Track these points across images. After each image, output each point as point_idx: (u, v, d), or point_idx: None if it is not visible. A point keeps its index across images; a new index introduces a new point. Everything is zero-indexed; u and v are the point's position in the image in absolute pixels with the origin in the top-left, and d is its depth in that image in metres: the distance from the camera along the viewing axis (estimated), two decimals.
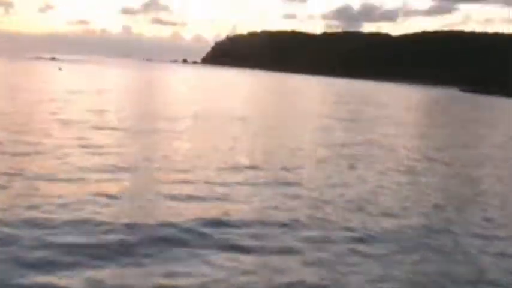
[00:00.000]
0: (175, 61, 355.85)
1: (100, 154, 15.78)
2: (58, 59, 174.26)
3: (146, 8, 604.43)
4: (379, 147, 21.82)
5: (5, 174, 12.48)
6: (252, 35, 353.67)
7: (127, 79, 78.85)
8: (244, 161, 16.33)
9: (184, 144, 18.83)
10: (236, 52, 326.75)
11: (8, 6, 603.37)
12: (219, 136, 21.55)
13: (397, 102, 67.27)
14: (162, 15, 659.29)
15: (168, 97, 44.54)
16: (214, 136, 21.52)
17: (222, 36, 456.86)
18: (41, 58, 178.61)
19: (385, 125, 32.72)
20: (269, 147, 19.53)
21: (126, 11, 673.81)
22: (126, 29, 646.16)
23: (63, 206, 10.23)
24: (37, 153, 15.29)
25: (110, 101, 35.24)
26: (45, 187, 11.60)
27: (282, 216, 10.65)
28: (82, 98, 36.43)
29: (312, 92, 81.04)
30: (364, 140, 23.81)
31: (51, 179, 12.35)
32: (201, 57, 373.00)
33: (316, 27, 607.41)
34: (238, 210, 10.78)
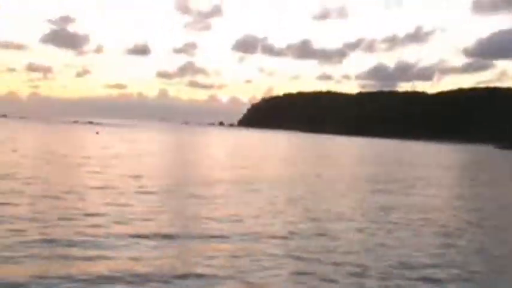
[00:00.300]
0: (212, 124, 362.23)
1: (137, 220, 15.86)
2: (95, 123, 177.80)
3: (182, 71, 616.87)
4: (419, 210, 21.63)
5: (41, 241, 12.65)
6: (288, 96, 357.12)
7: (164, 143, 79.40)
8: (282, 228, 16.18)
9: (222, 209, 18.73)
10: (272, 114, 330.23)
11: (47, 71, 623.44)
12: (258, 201, 21.39)
13: (436, 161, 66.89)
14: (198, 78, 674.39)
15: (206, 161, 43.93)
16: (253, 201, 21.28)
17: (258, 98, 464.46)
18: (78, 122, 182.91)
19: (425, 185, 32.40)
20: (309, 213, 19.38)
21: (162, 75, 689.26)
22: (163, 92, 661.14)
23: (98, 276, 10.33)
24: (72, 219, 15.46)
25: (147, 165, 35.29)
26: (77, 253, 11.78)
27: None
28: (119, 162, 36.49)
29: (349, 152, 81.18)
30: (403, 203, 23.64)
31: (86, 246, 12.44)
32: (238, 119, 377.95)
33: (352, 87, 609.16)
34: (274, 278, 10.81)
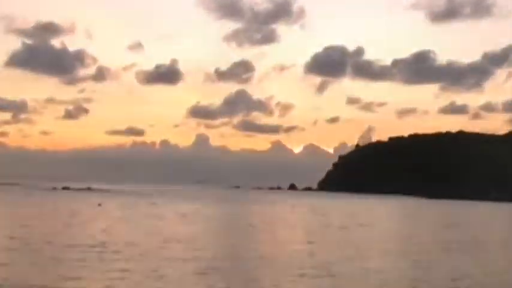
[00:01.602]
0: (277, 188, 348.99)
1: None
2: (95, 189, 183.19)
3: (230, 106, 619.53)
4: None
5: None
6: (396, 142, 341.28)
7: (219, 221, 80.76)
8: None
9: None
10: (372, 169, 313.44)
11: (19, 109, 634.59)
12: None
13: None
14: (255, 117, 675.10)
15: None
16: None
17: (349, 145, 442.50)
18: (69, 189, 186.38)
19: None
20: None
21: (198, 112, 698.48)
22: (200, 139, 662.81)
23: None
24: None
25: None
26: None
27: None
28: None
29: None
30: None
31: None
32: (318, 179, 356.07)
33: (498, 122, 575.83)
34: None
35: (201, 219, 78.89)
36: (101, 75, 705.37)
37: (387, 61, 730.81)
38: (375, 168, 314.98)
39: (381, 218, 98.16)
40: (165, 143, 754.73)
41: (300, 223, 79.75)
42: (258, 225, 71.18)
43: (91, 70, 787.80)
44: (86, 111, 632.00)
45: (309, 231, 64.15)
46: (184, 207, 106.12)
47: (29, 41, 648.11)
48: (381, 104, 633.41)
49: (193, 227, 64.31)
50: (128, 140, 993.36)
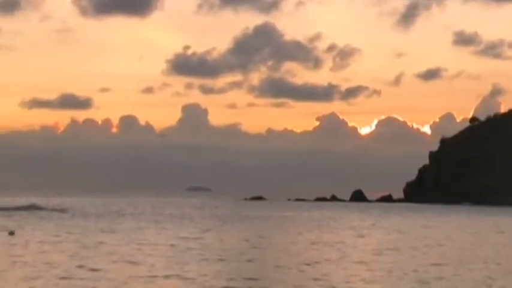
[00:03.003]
0: (333, 199, 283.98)
1: None
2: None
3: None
4: None
5: None
6: None
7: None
8: None
9: None
10: (500, 159, 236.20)
11: None
12: None
13: None
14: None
15: None
16: None
17: (457, 119, 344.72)
18: None
19: None
20: None
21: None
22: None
23: None
24: None
25: None
26: None
27: None
28: None
29: None
30: None
31: None
32: (404, 183, 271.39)
33: None
34: None
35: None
36: (9, 1, 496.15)
37: None
38: (506, 158, 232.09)
39: None
40: (129, 121, 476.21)
41: None
42: None
43: None
44: None
45: None
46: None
47: None
48: None
49: None
50: (61, 117, 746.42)
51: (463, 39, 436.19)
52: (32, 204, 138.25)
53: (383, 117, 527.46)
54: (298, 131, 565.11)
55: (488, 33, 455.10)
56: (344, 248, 62.34)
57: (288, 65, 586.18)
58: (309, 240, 70.68)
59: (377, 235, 79.24)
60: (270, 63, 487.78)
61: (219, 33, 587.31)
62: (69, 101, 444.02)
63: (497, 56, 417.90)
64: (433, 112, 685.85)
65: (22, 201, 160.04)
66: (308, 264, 48.55)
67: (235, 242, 68.72)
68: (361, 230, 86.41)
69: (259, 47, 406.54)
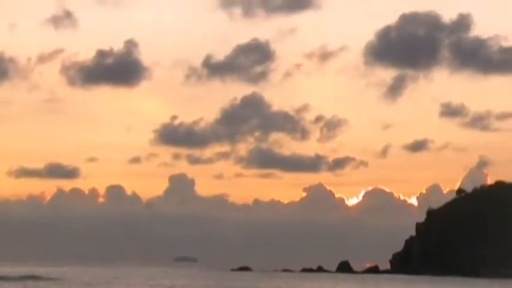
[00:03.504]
0: (319, 269, 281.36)
1: None
2: None
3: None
4: None
5: None
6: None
7: None
8: None
9: None
10: (488, 232, 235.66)
11: None
12: None
13: None
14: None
15: None
16: None
17: (444, 191, 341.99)
18: None
19: None
20: None
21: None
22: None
23: None
24: None
25: None
26: None
27: None
28: None
29: None
30: None
31: None
32: (389, 252, 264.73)
33: None
34: None
35: None
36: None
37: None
38: (494, 232, 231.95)
39: None
40: (115, 191, 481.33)
41: None
42: None
43: None
44: None
45: None
46: None
47: None
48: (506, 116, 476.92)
49: None
50: (48, 187, 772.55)
51: (450, 111, 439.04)
52: (32, 274, 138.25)
53: (370, 188, 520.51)
54: (285, 201, 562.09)
55: (476, 105, 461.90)
56: None
57: (276, 136, 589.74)
58: None
59: None
60: (257, 133, 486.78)
61: (207, 103, 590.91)
62: (56, 170, 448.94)
63: (485, 128, 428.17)
64: (419, 183, 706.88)
65: (23, 270, 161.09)
66: None
67: None
68: None
69: (246, 118, 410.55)
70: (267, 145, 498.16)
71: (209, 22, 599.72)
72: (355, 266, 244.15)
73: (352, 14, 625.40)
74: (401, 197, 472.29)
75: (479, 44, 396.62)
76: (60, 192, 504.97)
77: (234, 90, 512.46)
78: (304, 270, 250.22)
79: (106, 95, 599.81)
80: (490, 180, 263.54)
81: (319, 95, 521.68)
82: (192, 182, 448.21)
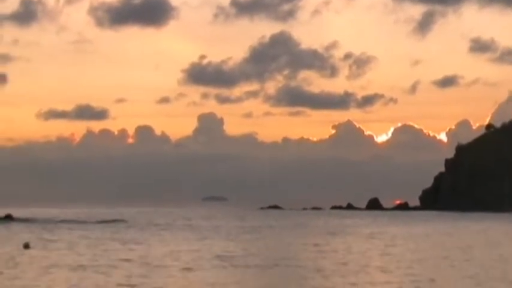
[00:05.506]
0: (349, 207, 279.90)
1: None
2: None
3: None
4: None
5: None
6: None
7: None
8: None
9: None
10: None
11: None
12: None
13: None
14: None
15: None
16: None
17: (473, 126, 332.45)
18: None
19: None
20: None
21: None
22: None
23: None
24: None
25: None
26: None
27: None
28: None
29: None
30: None
31: None
32: (418, 189, 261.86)
33: None
34: None
35: None
36: (26, 13, 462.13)
37: None
38: None
39: None
40: (145, 132, 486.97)
41: None
42: None
43: (9, 4, 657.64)
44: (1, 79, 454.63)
45: None
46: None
47: None
48: None
49: None
50: (77, 128, 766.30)
51: (480, 46, 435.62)
52: (7, 215, 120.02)
53: (399, 125, 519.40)
54: (315, 139, 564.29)
55: (505, 39, 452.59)
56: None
57: (304, 74, 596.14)
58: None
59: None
60: (286, 72, 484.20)
61: (235, 42, 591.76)
62: (85, 112, 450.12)
63: None
64: (449, 119, 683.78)
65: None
66: None
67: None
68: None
69: (275, 56, 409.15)
70: (296, 83, 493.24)
71: None
72: (384, 203, 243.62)
73: None
74: (431, 133, 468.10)
75: None
76: (89, 133, 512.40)
77: (262, 29, 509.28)
78: (334, 207, 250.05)
79: (134, 36, 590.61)
80: None
81: (347, 32, 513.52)
82: (221, 121, 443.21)
